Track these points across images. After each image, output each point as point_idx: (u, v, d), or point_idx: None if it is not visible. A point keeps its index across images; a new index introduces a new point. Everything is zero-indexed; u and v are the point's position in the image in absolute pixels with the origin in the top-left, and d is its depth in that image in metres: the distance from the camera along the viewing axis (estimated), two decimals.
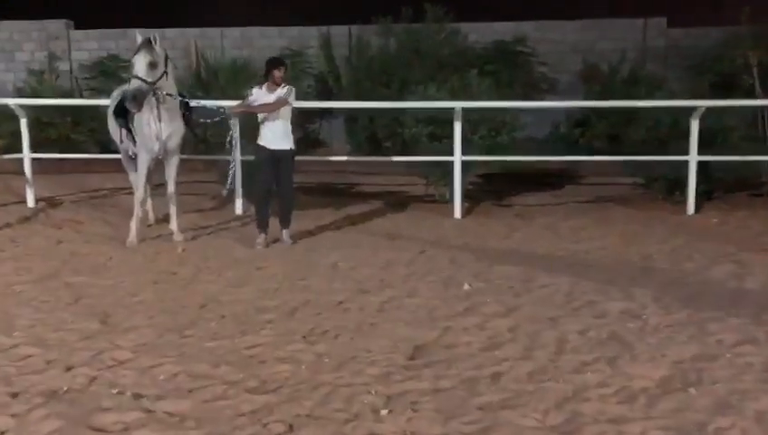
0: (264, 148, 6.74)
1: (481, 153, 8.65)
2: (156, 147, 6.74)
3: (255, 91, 6.77)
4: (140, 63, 6.37)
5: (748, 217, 8.09)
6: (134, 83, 6.37)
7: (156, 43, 6.43)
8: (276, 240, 6.92)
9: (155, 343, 4.20)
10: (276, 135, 6.69)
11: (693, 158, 8.31)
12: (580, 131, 12.91)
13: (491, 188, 10.05)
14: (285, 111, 6.72)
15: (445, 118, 8.58)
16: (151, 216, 7.77)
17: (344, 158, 10.12)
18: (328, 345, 4.17)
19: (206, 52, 13.56)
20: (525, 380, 3.65)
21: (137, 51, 6.43)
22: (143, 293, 5.26)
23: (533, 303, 5.00)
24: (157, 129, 6.66)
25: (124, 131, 7.07)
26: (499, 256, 6.35)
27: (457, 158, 8.35)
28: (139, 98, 6.34)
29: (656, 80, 12.28)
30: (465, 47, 13.52)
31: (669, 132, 9.11)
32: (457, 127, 8.29)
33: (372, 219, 8.35)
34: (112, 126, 7.36)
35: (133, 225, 6.86)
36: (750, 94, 9.49)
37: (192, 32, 14.40)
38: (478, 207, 9.09)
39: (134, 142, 6.98)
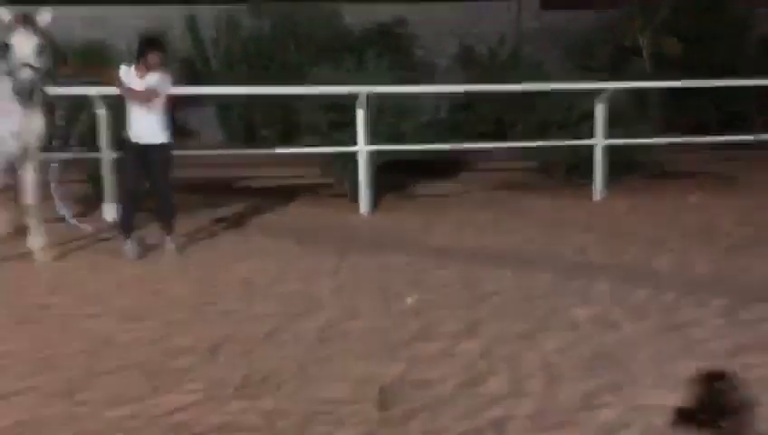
0: (130, 141, 5.79)
1: (385, 142, 7.97)
2: (14, 147, 5.46)
3: (124, 70, 5.79)
4: (27, 46, 5.23)
5: (654, 200, 8.06)
6: (24, 73, 5.19)
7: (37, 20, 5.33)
8: (152, 248, 5.91)
9: (39, 417, 3.12)
10: (146, 127, 5.76)
11: (599, 141, 8.15)
12: (463, 116, 12.71)
13: (387, 179, 9.41)
14: (157, 101, 5.74)
15: (344, 103, 7.80)
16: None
17: (258, 151, 9.16)
18: (273, 399, 3.31)
19: (52, 32, 11.72)
20: (532, 428, 3.02)
21: (13, 29, 5.24)
22: (9, 338, 4.07)
23: (494, 315, 4.41)
24: (20, 125, 5.39)
25: None
26: (429, 258, 5.71)
27: (362, 148, 7.61)
28: (33, 92, 5.24)
29: (534, 63, 12.27)
30: (344, 29, 12.82)
31: (567, 116, 8.95)
32: (361, 114, 7.54)
33: (270, 219, 7.41)
34: None
35: None
36: (641, 76, 9.56)
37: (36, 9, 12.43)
38: (382, 200, 8.41)
39: None
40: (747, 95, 13.11)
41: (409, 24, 13.21)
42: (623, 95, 9.44)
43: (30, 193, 5.66)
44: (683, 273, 5.24)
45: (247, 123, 12.11)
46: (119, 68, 5.84)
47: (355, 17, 13.25)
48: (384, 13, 13.43)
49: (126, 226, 5.89)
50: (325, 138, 8.11)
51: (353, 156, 7.66)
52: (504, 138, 9.91)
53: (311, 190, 8.74)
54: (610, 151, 8.45)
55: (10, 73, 5.24)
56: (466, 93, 11.97)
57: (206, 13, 12.68)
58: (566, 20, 13.78)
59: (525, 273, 5.29)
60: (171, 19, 12.48)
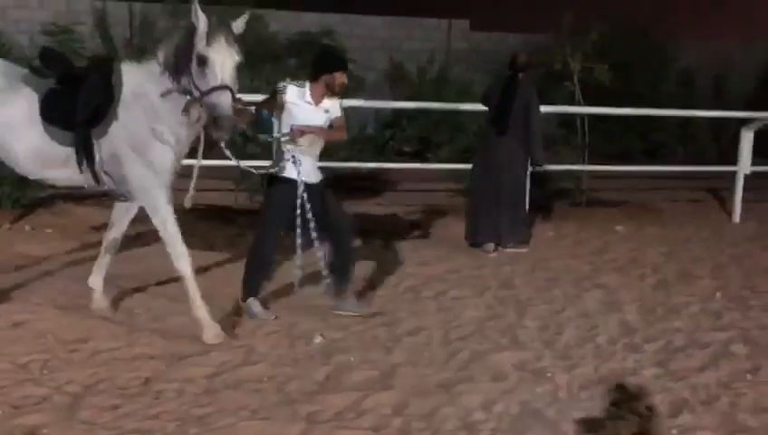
0: (288, 180, 4.37)
1: None
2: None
3: (292, 91, 4.33)
4: (229, 64, 3.71)
5: (579, 229, 7.81)
6: (224, 98, 3.66)
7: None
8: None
9: None
10: (311, 163, 4.45)
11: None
12: (390, 133, 12.34)
13: None
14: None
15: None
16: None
17: None
18: None
19: None
20: None
21: (212, 37, 3.68)
22: None
23: (411, 360, 3.91)
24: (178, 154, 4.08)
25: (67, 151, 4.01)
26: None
27: None
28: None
29: (464, 82, 12.06)
30: (268, 36, 12.22)
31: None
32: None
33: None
34: (36, 142, 4.03)
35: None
36: (570, 101, 9.37)
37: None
38: None
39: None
40: (670, 125, 13.37)
41: (337, 36, 12.75)
42: (552, 121, 9.28)
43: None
44: (613, 312, 4.90)
45: None
46: (281, 88, 4.32)
47: (282, 25, 12.69)
48: (312, 23, 12.94)
49: (259, 284, 4.52)
50: (241, 151, 7.48)
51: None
52: (427, 159, 9.57)
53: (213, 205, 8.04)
54: (536, 178, 8.19)
55: (188, 93, 3.80)
56: (394, 111, 11.64)
57: (118, 9, 11.87)
58: (495, 42, 13.69)
59: (447, 308, 4.83)
60: (79, 14, 11.64)
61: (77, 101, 3.93)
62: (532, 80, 6.81)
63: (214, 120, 3.68)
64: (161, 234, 4.06)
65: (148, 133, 3.95)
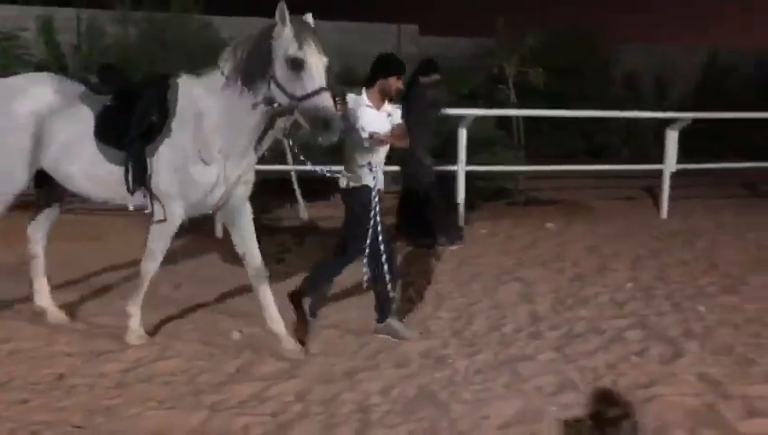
0: (368, 189, 4.28)
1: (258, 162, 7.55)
2: (216, 198, 3.96)
3: (353, 100, 4.31)
4: (321, 65, 3.59)
5: (512, 226, 8.09)
6: (327, 99, 3.54)
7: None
8: None
9: None
10: (381, 170, 4.37)
11: (461, 168, 8.11)
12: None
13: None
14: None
15: None
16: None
17: None
18: None
19: None
20: None
21: (302, 40, 3.54)
22: None
23: (322, 352, 4.10)
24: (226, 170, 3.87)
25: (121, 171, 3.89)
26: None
27: None
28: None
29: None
30: (218, 41, 12.33)
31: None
32: None
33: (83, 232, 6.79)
34: (91, 162, 3.97)
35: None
36: (505, 104, 9.67)
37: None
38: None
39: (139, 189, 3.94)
40: (615, 127, 13.78)
41: None
42: (490, 123, 9.55)
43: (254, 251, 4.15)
44: (526, 303, 5.15)
45: None
46: (340, 97, 4.09)
47: (234, 31, 12.77)
48: (260, 27, 13.07)
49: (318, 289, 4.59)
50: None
51: None
52: None
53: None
54: (475, 178, 8.46)
55: (271, 101, 3.65)
56: None
57: (65, 16, 11.86)
58: (443, 46, 13.98)
59: (367, 304, 5.02)
60: (24, 20, 11.59)
61: (130, 119, 3.81)
62: (436, 84, 6.94)
63: (323, 123, 3.48)
64: (151, 237, 3.94)
65: (194, 151, 3.77)
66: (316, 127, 3.54)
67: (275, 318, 4.08)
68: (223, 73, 3.72)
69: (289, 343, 4.03)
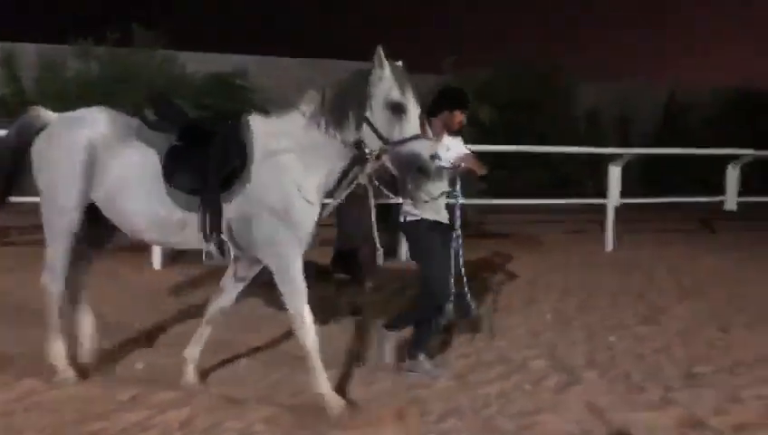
0: (432, 222, 4.25)
1: None
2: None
3: None
4: (416, 110, 3.53)
5: None
6: (421, 145, 3.50)
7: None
8: None
9: None
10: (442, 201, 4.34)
11: None
12: None
13: None
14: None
15: None
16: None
17: None
18: None
19: None
20: None
21: (403, 85, 3.49)
22: None
23: (223, 380, 4.12)
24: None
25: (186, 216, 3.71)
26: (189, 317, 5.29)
27: None
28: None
29: None
30: (181, 76, 12.52)
31: None
32: None
33: None
34: (151, 204, 3.74)
35: None
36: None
37: None
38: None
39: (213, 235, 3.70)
40: (578, 161, 13.98)
41: (252, 76, 13.07)
42: None
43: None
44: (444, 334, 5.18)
45: None
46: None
47: (198, 66, 12.96)
48: (228, 63, 13.25)
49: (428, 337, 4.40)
50: None
51: None
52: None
53: None
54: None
55: (358, 144, 3.57)
56: None
57: (27, 51, 11.97)
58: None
59: (277, 333, 5.02)
60: None
61: (207, 163, 3.60)
62: None
63: (418, 168, 3.51)
64: (286, 296, 3.66)
65: (291, 192, 3.59)
66: (408, 171, 3.63)
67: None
68: (304, 115, 3.61)
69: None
